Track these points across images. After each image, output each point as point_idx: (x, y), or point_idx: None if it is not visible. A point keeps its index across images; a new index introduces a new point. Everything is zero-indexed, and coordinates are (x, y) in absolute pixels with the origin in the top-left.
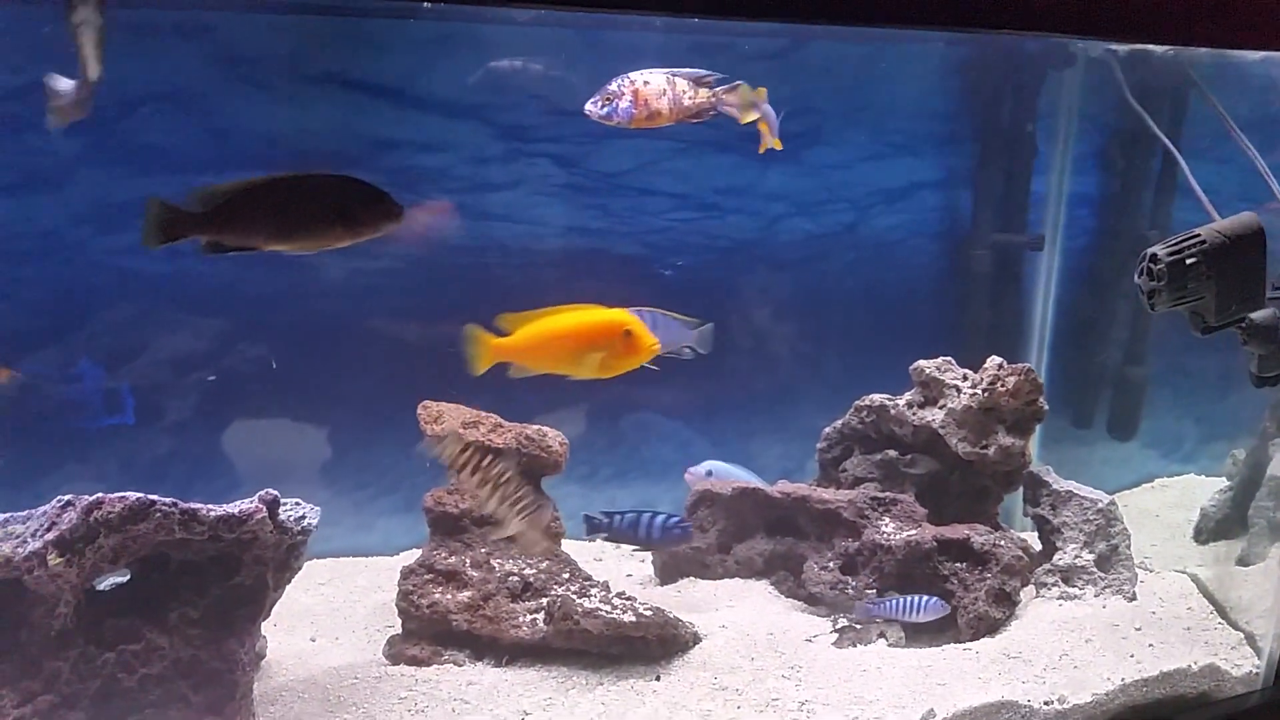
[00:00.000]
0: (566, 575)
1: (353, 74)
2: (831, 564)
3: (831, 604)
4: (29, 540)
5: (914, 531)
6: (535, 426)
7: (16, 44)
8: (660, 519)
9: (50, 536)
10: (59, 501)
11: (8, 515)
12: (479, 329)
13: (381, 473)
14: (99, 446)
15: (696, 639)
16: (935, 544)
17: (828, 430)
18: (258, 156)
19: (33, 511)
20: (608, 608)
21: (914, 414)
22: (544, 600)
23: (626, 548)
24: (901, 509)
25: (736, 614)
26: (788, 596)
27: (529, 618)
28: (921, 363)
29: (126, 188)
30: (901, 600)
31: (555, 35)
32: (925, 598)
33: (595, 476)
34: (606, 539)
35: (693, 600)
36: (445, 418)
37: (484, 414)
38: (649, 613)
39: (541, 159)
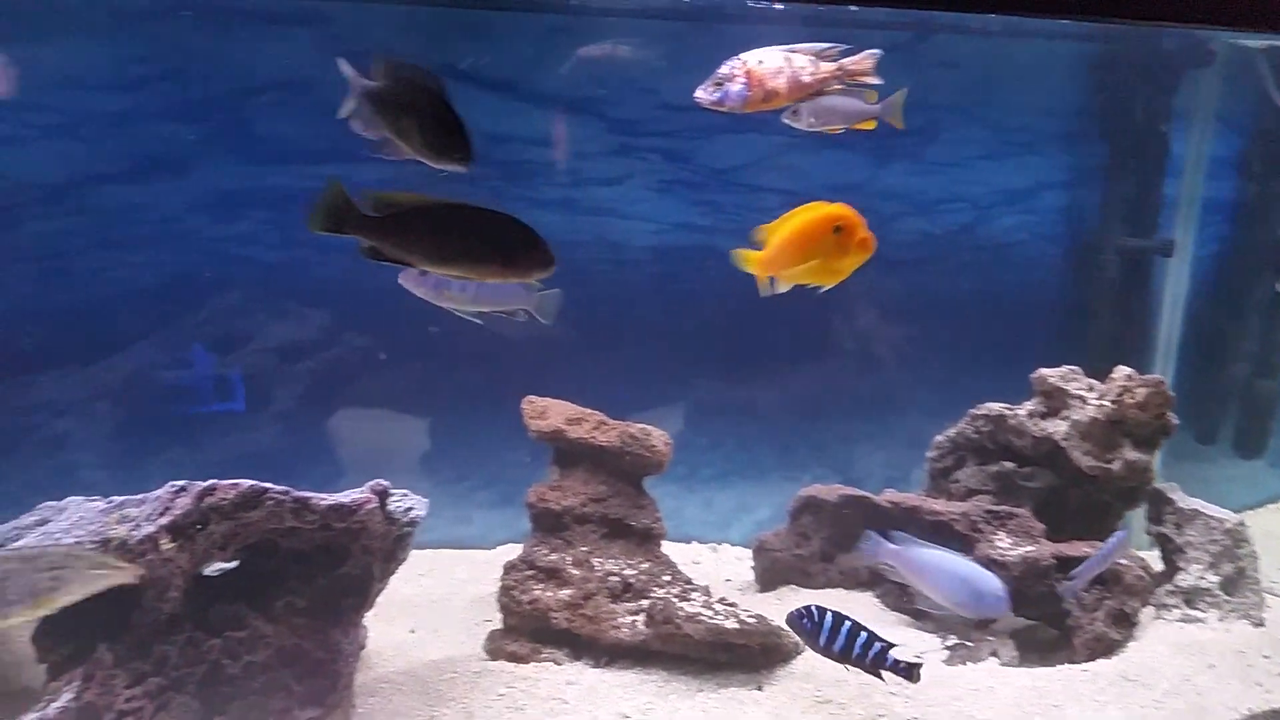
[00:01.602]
0: (667, 577)
1: (469, 67)
2: None
3: (940, 620)
4: (142, 524)
5: (1031, 548)
6: (639, 425)
7: (144, 37)
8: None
9: (164, 521)
10: (173, 486)
11: (123, 498)
12: (743, 250)
13: (480, 465)
14: (202, 431)
15: (799, 649)
16: (1054, 561)
17: (939, 439)
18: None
19: (147, 495)
20: (710, 613)
21: (1035, 425)
22: (644, 602)
23: (726, 554)
24: (1018, 524)
25: None
26: (893, 610)
27: (629, 619)
28: (1044, 371)
29: (241, 176)
30: (1097, 555)
31: (669, 28)
32: (1111, 539)
33: (693, 477)
34: None
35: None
36: (549, 413)
37: (587, 411)
38: (752, 620)
39: (652, 154)
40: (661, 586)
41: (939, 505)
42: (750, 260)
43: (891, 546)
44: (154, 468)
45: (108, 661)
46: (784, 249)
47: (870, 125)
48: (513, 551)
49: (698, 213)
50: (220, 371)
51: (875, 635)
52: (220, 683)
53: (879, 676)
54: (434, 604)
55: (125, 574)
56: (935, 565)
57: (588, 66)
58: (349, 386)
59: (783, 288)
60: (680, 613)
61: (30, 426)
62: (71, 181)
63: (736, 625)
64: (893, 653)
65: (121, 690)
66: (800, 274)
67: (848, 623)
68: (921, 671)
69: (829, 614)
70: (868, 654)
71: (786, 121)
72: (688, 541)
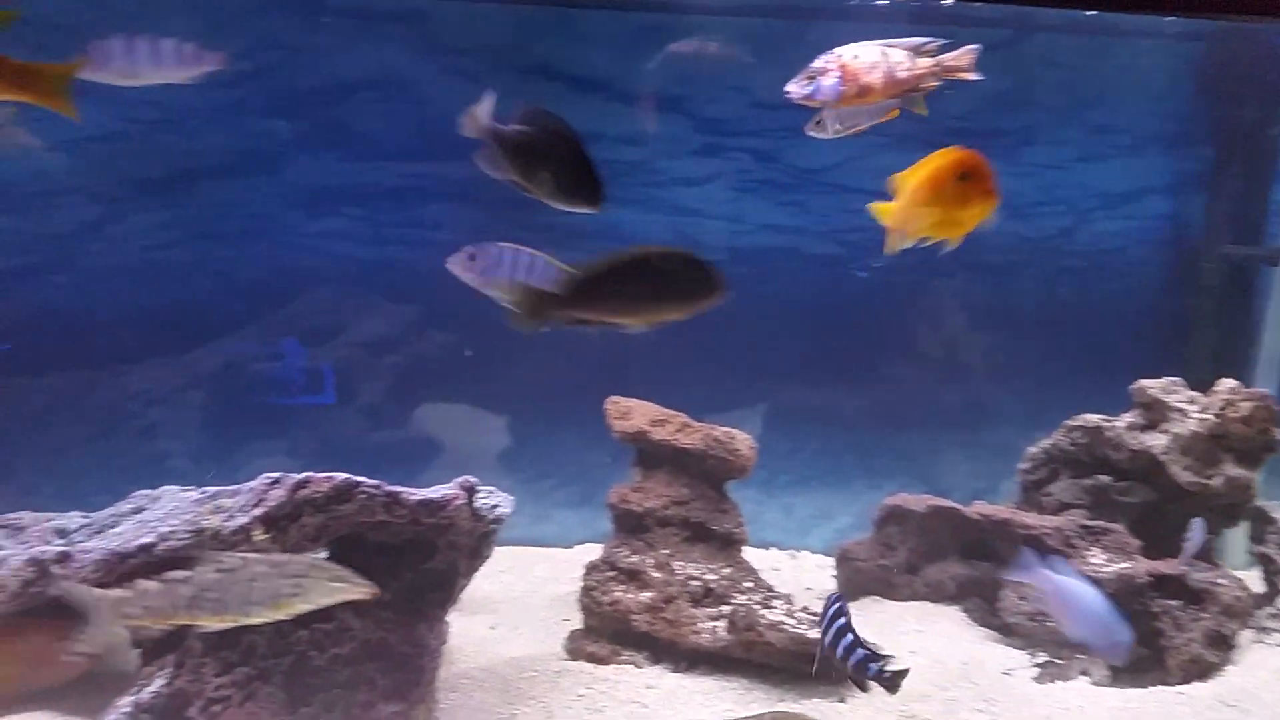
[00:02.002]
0: (749, 584)
1: (560, 66)
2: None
3: (1029, 635)
4: (236, 515)
5: (1126, 564)
6: (723, 429)
7: (239, 33)
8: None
9: (258, 512)
10: (267, 478)
11: (217, 489)
12: (878, 204)
13: (561, 464)
14: (291, 423)
15: None
16: (1149, 579)
17: (1033, 450)
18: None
19: (240, 486)
20: (792, 621)
21: (1133, 438)
22: (725, 608)
23: (806, 561)
24: (1113, 540)
25: (926, 639)
26: (980, 625)
27: (710, 625)
28: (1144, 383)
29: (336, 173)
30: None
31: (761, 25)
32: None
33: (773, 482)
34: None
35: (879, 621)
36: (633, 414)
37: (671, 412)
38: None
39: (740, 153)
40: (743, 593)
41: (1031, 519)
42: (884, 213)
43: (1043, 570)
44: (242, 458)
45: (198, 649)
46: (908, 198)
47: (894, 115)
48: (592, 551)
49: (785, 213)
50: (311, 364)
51: (862, 642)
52: (306, 674)
53: (862, 686)
54: (514, 601)
55: (360, 590)
56: (1077, 597)
57: (677, 64)
58: (434, 382)
59: (907, 242)
60: (762, 620)
61: (127, 415)
62: (171, 176)
63: (820, 635)
64: (878, 664)
65: (211, 678)
66: (924, 228)
67: (841, 620)
68: (899, 685)
69: (834, 605)
70: (849, 659)
71: (811, 133)
72: (766, 548)
